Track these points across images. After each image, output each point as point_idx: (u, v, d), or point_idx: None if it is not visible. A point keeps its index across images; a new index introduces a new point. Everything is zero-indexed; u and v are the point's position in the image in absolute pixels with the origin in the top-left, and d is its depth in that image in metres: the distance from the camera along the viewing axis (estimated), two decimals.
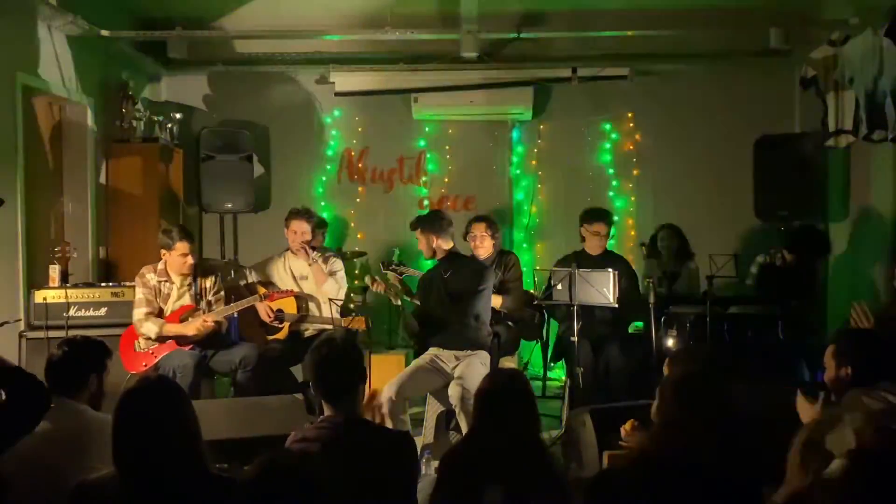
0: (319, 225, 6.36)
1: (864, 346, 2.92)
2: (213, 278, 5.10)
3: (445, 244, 4.89)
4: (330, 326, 5.32)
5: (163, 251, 4.94)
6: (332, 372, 2.79)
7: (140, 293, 4.91)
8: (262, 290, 5.28)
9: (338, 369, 2.80)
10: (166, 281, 4.97)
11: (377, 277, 5.26)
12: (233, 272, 5.77)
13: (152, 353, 4.88)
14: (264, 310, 5.24)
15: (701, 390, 2.50)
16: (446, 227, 4.90)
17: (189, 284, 5.01)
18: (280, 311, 5.29)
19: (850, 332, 3.39)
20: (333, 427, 2.71)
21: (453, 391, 4.45)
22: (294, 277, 5.51)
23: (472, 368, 4.58)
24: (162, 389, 2.48)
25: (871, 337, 3.10)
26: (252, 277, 5.52)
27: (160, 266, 4.98)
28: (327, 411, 2.79)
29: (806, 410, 2.98)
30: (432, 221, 4.95)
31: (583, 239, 5.67)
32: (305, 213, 5.49)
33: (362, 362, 2.96)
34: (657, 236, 6.22)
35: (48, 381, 2.99)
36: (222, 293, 5.11)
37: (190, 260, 4.92)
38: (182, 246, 4.87)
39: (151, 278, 4.95)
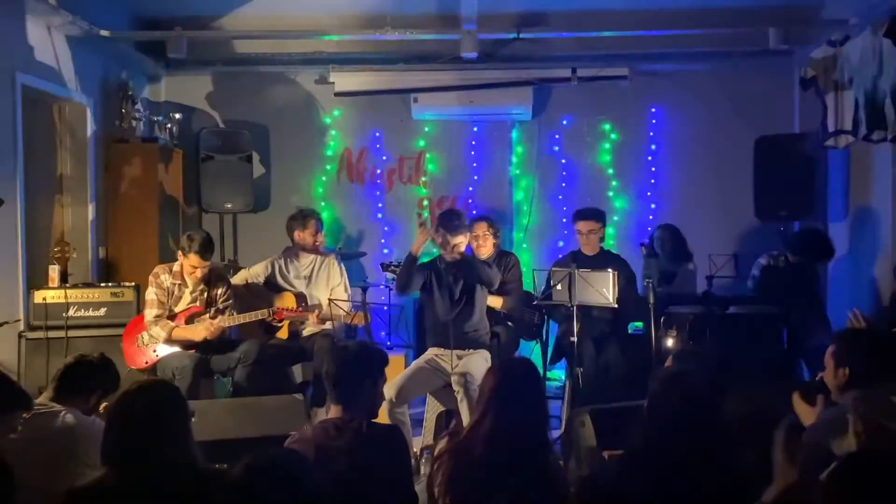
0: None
1: (861, 347, 2.91)
2: (225, 287, 5.11)
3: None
4: (329, 325, 5.33)
5: (179, 252, 4.91)
6: (350, 379, 2.80)
7: (153, 294, 4.90)
8: (278, 304, 5.26)
9: (357, 379, 2.81)
10: (181, 283, 4.96)
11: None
12: (232, 272, 5.78)
13: (154, 351, 4.90)
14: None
15: (688, 389, 2.50)
16: None
17: (202, 290, 5.01)
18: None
19: (848, 333, 3.38)
20: (328, 428, 2.72)
21: (456, 381, 4.43)
22: (294, 278, 5.52)
23: (474, 362, 4.59)
24: (157, 393, 2.51)
25: (870, 338, 3.09)
26: (251, 279, 5.54)
27: (175, 268, 4.96)
28: (334, 412, 2.80)
29: (805, 412, 2.98)
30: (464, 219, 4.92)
31: None
32: (317, 215, 5.64)
33: (378, 365, 2.95)
34: (654, 236, 6.23)
35: (56, 382, 3.09)
36: (230, 301, 5.11)
37: (199, 273, 4.88)
38: (194, 259, 4.80)
39: (165, 279, 4.93)
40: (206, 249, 4.83)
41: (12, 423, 2.58)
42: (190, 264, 4.83)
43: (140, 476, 2.30)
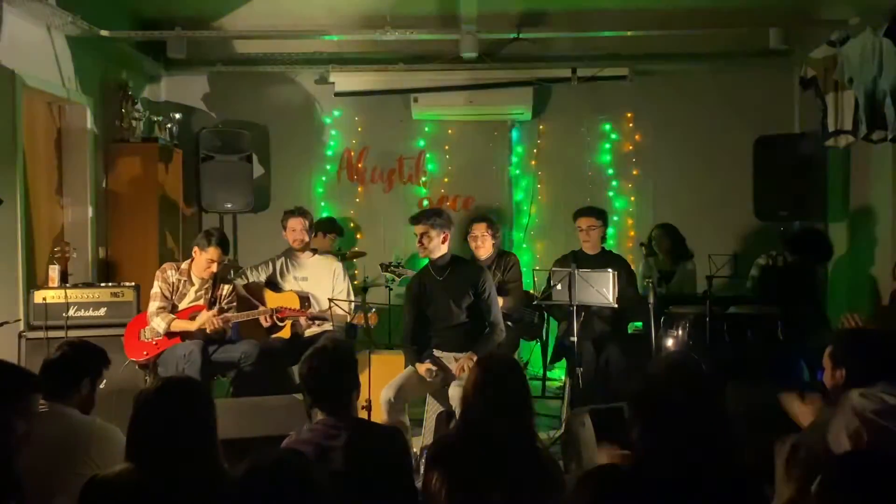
0: (328, 229, 6.40)
1: (857, 348, 2.91)
2: (230, 287, 5.20)
3: (447, 245, 4.74)
4: (330, 326, 5.32)
5: (196, 249, 5.01)
6: (325, 380, 2.80)
7: (157, 287, 5.02)
8: (280, 303, 5.26)
9: (331, 377, 2.80)
10: (186, 280, 5.06)
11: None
12: (232, 272, 5.78)
13: (155, 344, 4.96)
14: (265, 317, 5.23)
15: (690, 377, 2.48)
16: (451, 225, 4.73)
17: (207, 289, 5.09)
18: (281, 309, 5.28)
19: (844, 334, 3.37)
20: (326, 428, 2.72)
21: (454, 392, 4.42)
22: (294, 278, 5.52)
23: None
24: (184, 390, 2.48)
25: (865, 338, 3.07)
26: (252, 277, 5.53)
27: (184, 265, 5.09)
28: (320, 416, 2.80)
29: (800, 412, 2.97)
30: (446, 217, 4.69)
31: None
32: (299, 212, 5.52)
33: (355, 369, 2.94)
34: (651, 235, 6.23)
35: (43, 382, 2.97)
36: (235, 304, 5.18)
37: (214, 268, 5.00)
38: (213, 252, 4.94)
39: (172, 275, 5.05)
40: (225, 243, 5.03)
41: (32, 408, 2.54)
42: (209, 258, 4.95)
43: (164, 476, 2.26)
